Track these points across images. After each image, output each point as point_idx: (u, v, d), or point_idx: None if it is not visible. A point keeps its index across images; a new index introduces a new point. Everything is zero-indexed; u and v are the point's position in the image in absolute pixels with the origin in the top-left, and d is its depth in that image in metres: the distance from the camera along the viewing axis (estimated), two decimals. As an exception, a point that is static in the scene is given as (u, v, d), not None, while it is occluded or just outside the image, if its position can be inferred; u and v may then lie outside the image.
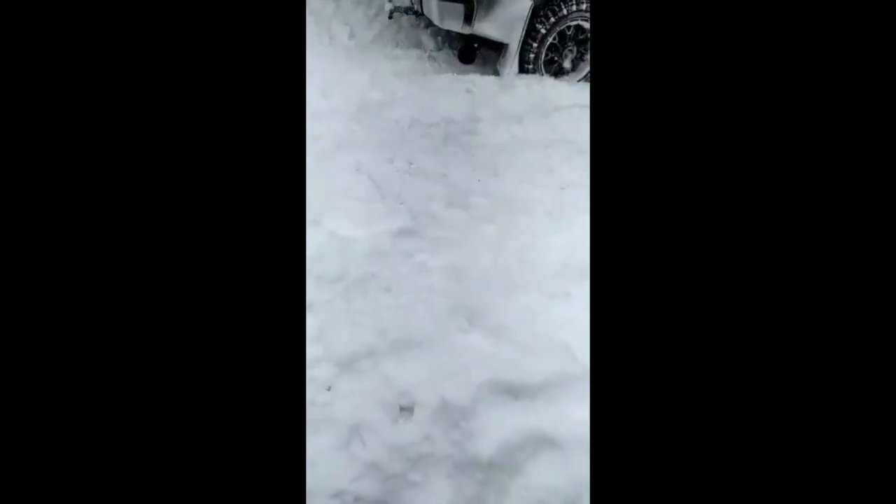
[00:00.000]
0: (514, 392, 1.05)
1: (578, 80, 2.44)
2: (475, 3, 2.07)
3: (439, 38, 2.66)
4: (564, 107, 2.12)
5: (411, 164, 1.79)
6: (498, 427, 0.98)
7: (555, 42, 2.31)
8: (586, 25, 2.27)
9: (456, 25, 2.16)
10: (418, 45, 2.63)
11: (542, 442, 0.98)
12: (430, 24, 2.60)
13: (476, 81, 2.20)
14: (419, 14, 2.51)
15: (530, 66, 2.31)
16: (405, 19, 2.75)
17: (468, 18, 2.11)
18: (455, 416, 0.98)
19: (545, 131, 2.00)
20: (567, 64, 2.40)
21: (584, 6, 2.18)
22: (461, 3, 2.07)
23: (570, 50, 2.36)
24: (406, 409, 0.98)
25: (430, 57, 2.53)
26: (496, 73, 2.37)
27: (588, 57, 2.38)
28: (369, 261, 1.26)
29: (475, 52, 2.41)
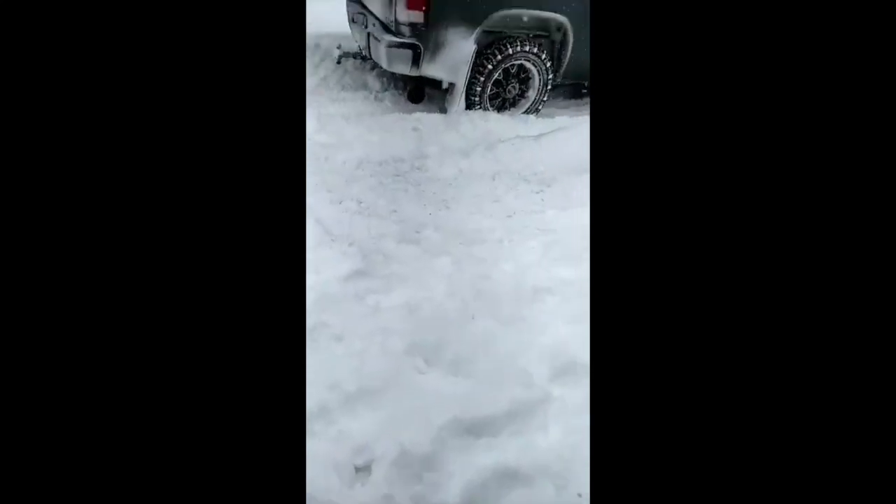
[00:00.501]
0: (476, 430, 1.02)
1: (521, 113, 2.56)
2: (422, 48, 2.16)
3: (384, 79, 2.74)
4: (508, 139, 2.20)
5: (361, 203, 1.78)
6: (462, 471, 0.93)
7: (499, 78, 2.43)
8: (528, 65, 2.42)
9: (404, 69, 2.24)
10: (364, 86, 2.68)
11: (509, 477, 0.94)
12: (375, 66, 2.68)
13: (422, 119, 2.26)
14: (367, 59, 2.58)
15: (476, 101, 2.41)
16: (351, 63, 2.82)
17: (416, 62, 2.20)
18: (416, 468, 0.93)
19: (490, 163, 2.06)
20: (510, 98, 2.53)
21: (527, 47, 2.33)
22: (409, 48, 2.16)
23: (512, 86, 2.50)
24: (362, 470, 0.92)
25: (376, 98, 2.59)
26: (443, 110, 2.45)
27: (529, 93, 2.53)
28: (319, 308, 1.22)
29: (423, 93, 2.50)
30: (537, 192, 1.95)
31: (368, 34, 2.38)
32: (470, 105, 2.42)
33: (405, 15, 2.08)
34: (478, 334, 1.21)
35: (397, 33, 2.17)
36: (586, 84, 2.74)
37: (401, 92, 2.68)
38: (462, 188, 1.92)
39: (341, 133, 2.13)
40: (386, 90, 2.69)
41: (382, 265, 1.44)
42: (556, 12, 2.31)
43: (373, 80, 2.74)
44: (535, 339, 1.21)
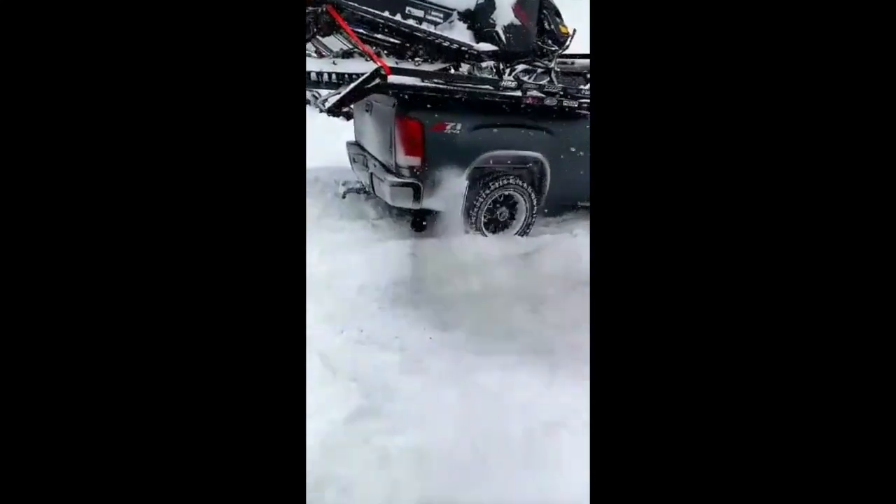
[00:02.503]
0: None
1: (513, 234, 2.77)
2: (421, 185, 2.42)
3: (380, 208, 2.97)
4: (498, 259, 2.34)
5: (362, 331, 1.80)
6: None
7: (490, 207, 2.68)
8: (514, 194, 2.70)
9: (406, 203, 2.48)
10: (362, 215, 2.90)
11: None
12: (369, 196, 2.93)
13: (419, 245, 2.40)
14: (370, 194, 2.84)
15: (472, 226, 2.62)
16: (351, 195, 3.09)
17: (417, 197, 2.44)
18: None
19: (485, 283, 2.15)
20: (502, 222, 2.76)
21: (511, 180, 2.64)
22: (410, 187, 2.42)
23: (502, 213, 2.75)
24: None
25: (373, 225, 2.78)
26: (439, 235, 2.63)
27: (518, 217, 2.77)
28: (323, 459, 1.14)
29: (425, 222, 2.72)
30: (532, 312, 2.00)
31: (371, 174, 2.67)
32: (466, 231, 2.62)
33: (404, 160, 2.37)
34: (494, 490, 1.12)
35: (398, 174, 2.44)
36: (579, 204, 3.03)
37: (395, 219, 2.89)
38: (461, 310, 1.97)
39: (342, 261, 2.24)
40: (382, 218, 2.90)
41: (388, 401, 1.39)
42: (532, 151, 2.65)
43: (369, 209, 2.96)
44: (552, 482, 1.13)
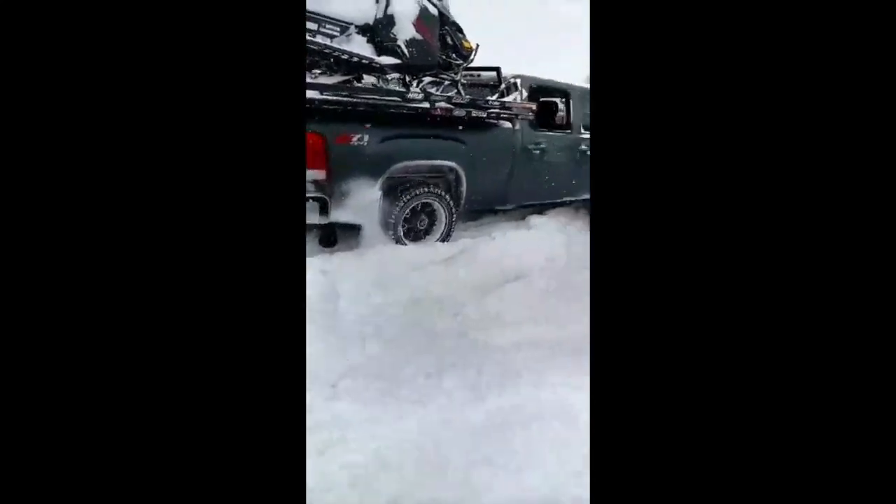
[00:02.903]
0: None
1: (435, 241, 2.76)
2: (328, 199, 2.33)
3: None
4: (420, 266, 2.30)
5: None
6: None
7: (407, 216, 2.65)
8: (432, 202, 2.70)
9: (314, 218, 2.36)
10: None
11: None
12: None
13: (330, 260, 2.30)
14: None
15: (391, 236, 2.57)
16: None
17: (324, 211, 2.34)
18: None
19: (407, 293, 2.10)
20: (422, 230, 2.74)
21: (428, 189, 2.62)
22: (316, 201, 2.32)
23: (421, 221, 2.74)
24: None
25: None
26: (355, 249, 2.54)
27: (438, 224, 2.77)
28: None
29: (335, 237, 2.61)
30: (455, 315, 1.98)
31: None
32: (385, 241, 2.56)
33: (308, 174, 2.28)
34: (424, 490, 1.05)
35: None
36: (496, 208, 3.09)
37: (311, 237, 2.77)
38: (378, 325, 1.89)
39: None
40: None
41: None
42: (446, 160, 2.69)
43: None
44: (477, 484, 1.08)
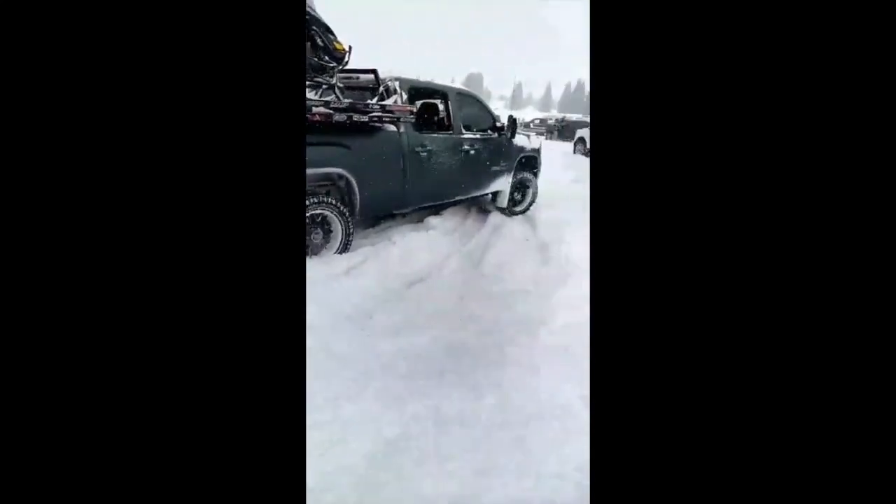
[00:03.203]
0: None
1: (334, 253, 2.62)
2: None
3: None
4: (320, 280, 2.18)
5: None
6: None
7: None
8: (325, 212, 2.56)
9: None
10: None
11: None
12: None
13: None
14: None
15: None
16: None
17: None
18: None
19: (309, 311, 1.96)
20: (318, 242, 2.58)
21: (319, 199, 2.49)
22: None
23: (316, 233, 2.58)
24: None
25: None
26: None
27: (334, 235, 2.64)
28: None
29: None
30: (361, 329, 1.92)
31: None
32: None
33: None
34: None
35: None
36: (394, 212, 3.05)
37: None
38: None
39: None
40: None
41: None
42: (333, 167, 2.58)
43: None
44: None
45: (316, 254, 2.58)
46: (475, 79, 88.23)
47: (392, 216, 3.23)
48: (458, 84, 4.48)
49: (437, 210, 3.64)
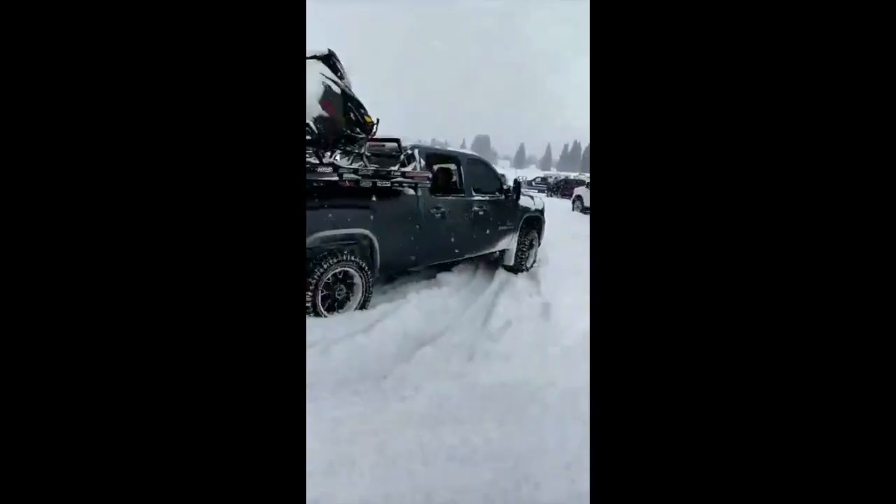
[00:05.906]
0: None
1: (354, 309, 2.79)
2: None
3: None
4: (340, 339, 2.32)
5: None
6: None
7: (328, 282, 2.66)
8: (349, 270, 2.75)
9: None
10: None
11: None
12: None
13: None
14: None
15: (310, 308, 2.53)
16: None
17: None
18: None
19: (328, 366, 2.10)
20: (340, 299, 2.76)
21: (343, 257, 2.68)
22: None
23: (339, 289, 2.75)
24: None
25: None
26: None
27: (356, 291, 2.82)
28: None
29: None
30: (376, 390, 2.03)
31: None
32: (306, 313, 2.52)
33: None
34: None
35: None
36: (409, 269, 3.22)
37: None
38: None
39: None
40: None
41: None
42: (358, 228, 2.81)
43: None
44: None
45: (335, 310, 2.74)
46: (482, 140, 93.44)
47: (407, 272, 3.41)
48: (468, 144, 4.82)
49: (448, 267, 3.83)
